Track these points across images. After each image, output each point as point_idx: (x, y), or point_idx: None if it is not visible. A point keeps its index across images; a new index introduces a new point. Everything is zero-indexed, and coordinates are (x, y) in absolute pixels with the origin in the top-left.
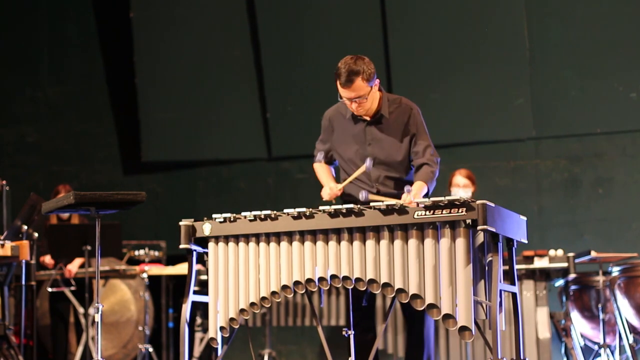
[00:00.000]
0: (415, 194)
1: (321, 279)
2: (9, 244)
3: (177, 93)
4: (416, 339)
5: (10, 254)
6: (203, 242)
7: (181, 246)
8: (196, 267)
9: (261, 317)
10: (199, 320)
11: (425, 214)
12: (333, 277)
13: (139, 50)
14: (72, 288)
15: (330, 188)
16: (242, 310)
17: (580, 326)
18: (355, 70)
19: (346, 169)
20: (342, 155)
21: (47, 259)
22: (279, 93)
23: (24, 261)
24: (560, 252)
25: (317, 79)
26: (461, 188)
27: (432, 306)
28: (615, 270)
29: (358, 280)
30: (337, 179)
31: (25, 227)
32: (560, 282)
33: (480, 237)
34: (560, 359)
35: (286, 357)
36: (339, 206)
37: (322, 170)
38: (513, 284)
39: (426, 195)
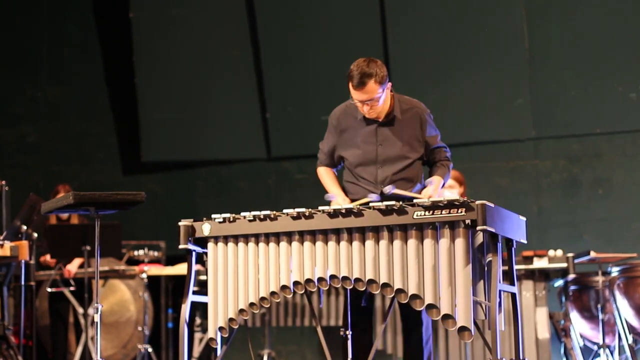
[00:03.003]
0: (435, 189)
1: (320, 279)
2: (8, 244)
3: (177, 93)
4: (415, 341)
5: (10, 254)
6: (202, 242)
7: (180, 246)
8: (195, 267)
9: (260, 318)
10: (198, 321)
11: (424, 214)
12: (332, 277)
13: (139, 51)
14: (72, 288)
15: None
16: (241, 311)
17: (579, 326)
18: (368, 73)
19: (352, 170)
20: (349, 157)
21: (49, 258)
22: (279, 93)
23: (23, 261)
24: (559, 252)
25: (316, 79)
26: (446, 188)
27: (431, 306)
28: (615, 271)
29: (357, 280)
30: (339, 180)
31: (25, 227)
32: (559, 283)
33: (480, 238)
34: (560, 359)
35: (285, 358)
36: (338, 206)
37: (327, 177)
38: (512, 284)
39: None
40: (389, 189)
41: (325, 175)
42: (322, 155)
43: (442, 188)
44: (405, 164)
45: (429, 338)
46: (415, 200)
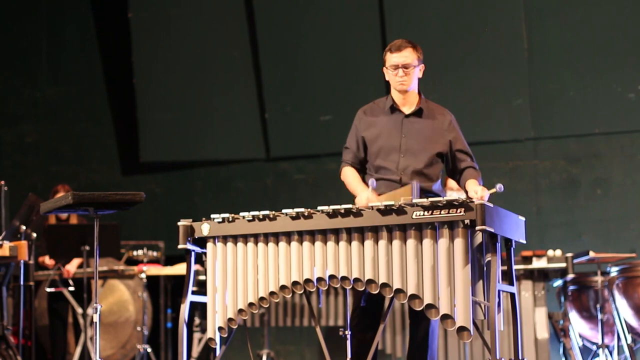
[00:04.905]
0: (483, 191)
1: (319, 280)
2: (7, 244)
3: (176, 93)
4: (420, 339)
5: (9, 254)
6: (201, 242)
7: (179, 246)
8: (195, 267)
9: (259, 318)
10: (197, 321)
11: (423, 214)
12: (331, 277)
13: (138, 51)
14: (71, 288)
15: (367, 199)
16: (240, 311)
17: (578, 326)
18: (408, 42)
19: (375, 160)
20: (373, 145)
21: (47, 260)
22: (277, 93)
23: (22, 261)
24: (558, 252)
25: (315, 80)
26: (454, 190)
27: (430, 306)
28: (614, 271)
29: (356, 280)
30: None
31: (24, 228)
32: (558, 283)
33: (479, 238)
34: (559, 359)
35: (284, 358)
36: (337, 206)
37: (352, 176)
38: (511, 284)
39: None
40: (499, 187)
41: (350, 174)
42: (347, 154)
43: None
44: (428, 159)
45: (434, 340)
46: (414, 200)
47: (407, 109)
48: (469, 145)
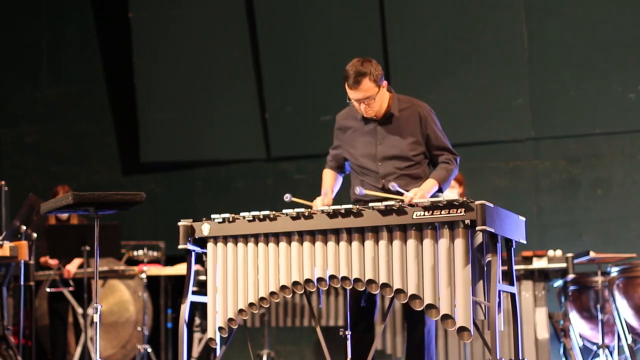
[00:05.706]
0: (421, 191)
1: (320, 280)
2: (7, 244)
3: (176, 93)
4: (417, 340)
5: (9, 254)
6: (202, 242)
7: (180, 246)
8: (195, 267)
9: (260, 318)
10: (197, 321)
11: (424, 215)
12: (332, 277)
13: (138, 51)
14: (71, 288)
15: (321, 203)
16: (240, 311)
17: (578, 326)
18: (362, 72)
19: (356, 170)
20: (352, 155)
21: (50, 260)
22: (278, 93)
23: (22, 261)
24: (559, 252)
25: (315, 80)
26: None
27: (430, 306)
28: (614, 271)
29: (357, 280)
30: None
31: (24, 228)
32: (559, 283)
33: (479, 238)
34: (559, 359)
35: (285, 358)
36: (338, 207)
37: (326, 178)
38: (512, 284)
39: (439, 191)
40: (358, 192)
41: (325, 176)
42: (328, 158)
43: (439, 192)
44: (408, 163)
45: (432, 340)
46: (414, 200)
47: (378, 116)
48: (469, 145)
